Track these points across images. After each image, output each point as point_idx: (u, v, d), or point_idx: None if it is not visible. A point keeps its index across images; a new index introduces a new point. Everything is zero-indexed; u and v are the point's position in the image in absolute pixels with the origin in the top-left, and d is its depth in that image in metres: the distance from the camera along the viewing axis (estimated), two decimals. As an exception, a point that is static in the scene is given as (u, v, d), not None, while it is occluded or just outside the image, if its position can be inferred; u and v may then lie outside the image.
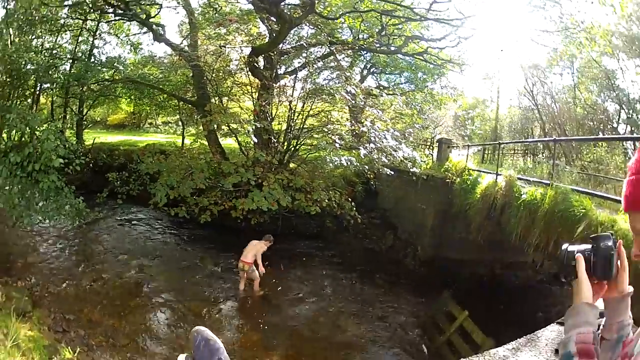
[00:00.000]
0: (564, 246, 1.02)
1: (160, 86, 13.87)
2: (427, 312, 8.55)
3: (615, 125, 17.41)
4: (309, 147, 10.67)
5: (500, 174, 8.38)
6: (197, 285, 8.20)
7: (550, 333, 2.04)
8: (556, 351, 1.78)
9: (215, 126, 10.99)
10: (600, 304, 1.00)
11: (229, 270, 9.03)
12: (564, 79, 18.23)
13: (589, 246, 0.98)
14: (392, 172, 9.98)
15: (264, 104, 10.39)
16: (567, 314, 0.95)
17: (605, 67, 17.13)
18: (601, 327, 1.00)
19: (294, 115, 10.69)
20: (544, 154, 14.10)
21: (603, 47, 16.19)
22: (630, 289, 0.99)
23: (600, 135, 16.70)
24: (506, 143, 12.50)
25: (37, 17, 12.88)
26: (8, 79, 11.19)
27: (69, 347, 4.70)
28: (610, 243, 0.95)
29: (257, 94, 11.15)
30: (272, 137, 10.39)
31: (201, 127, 11.67)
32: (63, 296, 6.86)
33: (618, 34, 15.87)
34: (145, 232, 11.18)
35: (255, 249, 7.96)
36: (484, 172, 9.77)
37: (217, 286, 8.34)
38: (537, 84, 16.97)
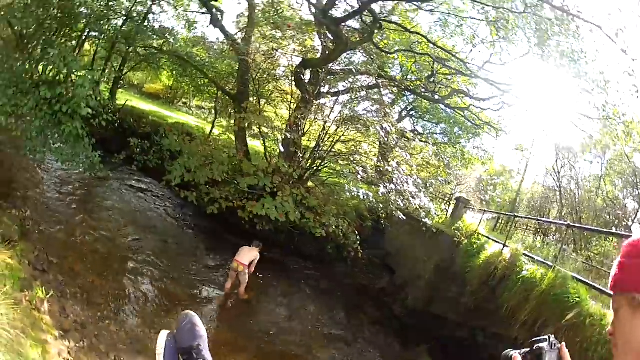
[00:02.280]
0: (505, 352, 1.08)
1: (204, 70, 14.03)
2: None
3: (630, 223, 17.28)
4: (331, 171, 10.73)
5: (508, 246, 8.40)
6: (185, 271, 8.22)
7: None
8: None
9: (247, 125, 11.13)
10: None
11: (220, 266, 9.07)
12: (592, 167, 18.20)
13: (527, 349, 1.05)
14: (404, 217, 9.99)
15: (299, 116, 10.50)
16: None
17: (634, 164, 17.09)
18: None
19: (325, 136, 10.78)
20: (554, 237, 14.00)
21: (637, 144, 16.15)
22: None
23: (614, 230, 16.54)
24: (521, 217, 12.44)
25: (99, -39, 12.80)
26: (59, 14, 11.12)
27: (44, 288, 4.70)
28: (543, 345, 1.01)
29: (295, 105, 11.27)
30: (299, 152, 10.47)
31: (233, 122, 11.79)
32: (52, 238, 6.84)
33: None
34: (150, 205, 11.25)
35: (252, 254, 7.97)
36: (492, 239, 9.77)
37: (204, 277, 8.37)
38: (566, 166, 16.95)
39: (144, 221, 9.87)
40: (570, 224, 9.39)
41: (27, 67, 8.34)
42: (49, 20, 11.07)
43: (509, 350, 1.07)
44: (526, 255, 8.09)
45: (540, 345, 1.02)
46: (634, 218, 17.70)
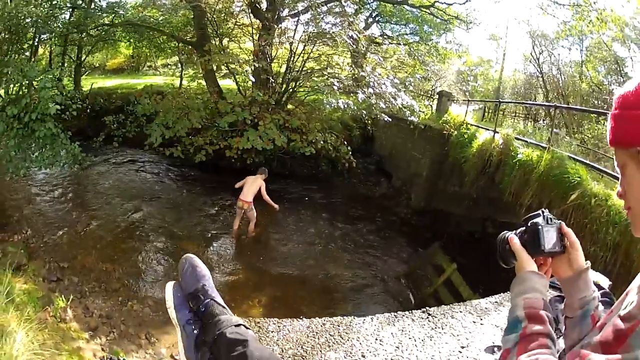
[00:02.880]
0: (501, 235, 1.01)
1: (160, 28, 13.57)
2: (416, 262, 8.60)
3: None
4: (308, 90, 10.52)
5: (498, 132, 8.33)
6: (191, 226, 8.19)
7: None
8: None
9: (214, 66, 10.83)
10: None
11: (222, 211, 9.04)
12: (572, 54, 17.99)
13: (522, 227, 0.98)
14: (390, 119, 9.88)
15: (264, 44, 10.19)
16: (512, 284, 0.90)
17: (615, 52, 16.93)
18: (562, 307, 0.97)
19: (294, 57, 10.50)
20: (544, 121, 13.98)
21: (615, 33, 15.99)
22: (587, 264, 0.94)
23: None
24: (507, 102, 12.35)
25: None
26: (7, 35, 10.85)
27: (63, 296, 4.73)
28: (538, 220, 0.94)
29: (257, 35, 10.93)
30: (271, 78, 10.24)
31: (200, 68, 11.48)
32: (58, 244, 6.82)
33: (632, 26, 15.69)
34: (140, 174, 11.14)
35: (255, 186, 7.67)
36: (482, 128, 9.69)
37: (210, 226, 8.34)
38: (544, 53, 16.70)
39: (139, 192, 9.79)
40: (557, 104, 9.25)
41: None
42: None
43: (504, 232, 1.00)
44: (518, 139, 8.06)
45: (535, 220, 0.94)
46: None
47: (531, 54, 16.49)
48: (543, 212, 0.95)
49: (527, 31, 16.39)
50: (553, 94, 16.08)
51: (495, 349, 1.53)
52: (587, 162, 6.25)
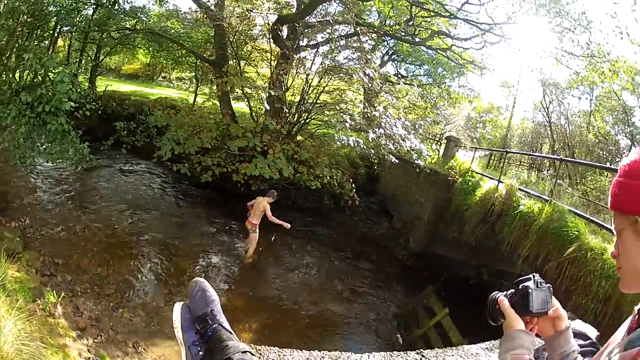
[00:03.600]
0: (491, 295, 1.09)
1: (180, 41, 13.75)
2: (409, 304, 8.64)
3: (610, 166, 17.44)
4: (319, 123, 10.65)
5: (502, 182, 8.39)
6: (189, 244, 8.24)
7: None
8: None
9: (229, 88, 10.97)
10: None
11: (222, 233, 9.09)
12: (581, 103, 18.18)
13: (512, 290, 1.06)
14: (397, 161, 9.99)
15: (281, 72, 10.33)
16: (501, 342, 0.99)
17: (624, 101, 17.08)
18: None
19: (309, 88, 10.64)
20: (548, 172, 14.08)
21: (625, 83, 16.14)
22: (567, 324, 1.04)
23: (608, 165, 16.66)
24: (513, 152, 12.45)
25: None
26: (29, 19, 10.95)
27: (54, 292, 4.74)
28: (529, 283, 1.01)
29: (275, 62, 11.09)
30: (284, 107, 10.36)
31: (215, 87, 11.62)
32: (55, 240, 6.86)
33: None
34: (145, 184, 11.21)
35: (261, 207, 7.76)
36: (486, 176, 9.76)
37: (208, 247, 8.39)
38: (554, 102, 16.90)
39: (141, 201, 9.84)
40: (563, 158, 9.35)
41: (3, 78, 8.31)
42: (20, 28, 10.86)
43: (495, 292, 1.09)
44: (521, 190, 8.10)
45: (526, 284, 1.02)
46: (627, 154, 17.87)
47: (541, 102, 16.69)
48: (534, 276, 1.02)
49: (539, 79, 16.62)
50: (559, 143, 16.22)
51: None
52: (587, 215, 6.30)
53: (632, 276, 0.85)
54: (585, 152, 17.61)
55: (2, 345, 2.77)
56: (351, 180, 9.93)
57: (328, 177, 9.61)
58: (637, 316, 0.80)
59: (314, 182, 9.59)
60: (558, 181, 9.20)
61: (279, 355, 1.62)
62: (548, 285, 1.03)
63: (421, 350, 1.81)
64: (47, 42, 14.59)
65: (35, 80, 8.36)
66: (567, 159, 13.50)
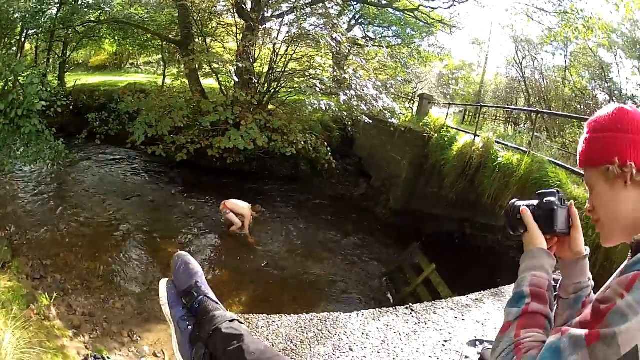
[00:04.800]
0: (512, 201, 1.01)
1: (145, 26, 13.53)
2: (395, 262, 8.71)
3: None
4: (290, 90, 10.59)
5: (479, 136, 8.42)
6: (172, 225, 8.22)
7: None
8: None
9: (197, 65, 10.84)
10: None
11: (201, 209, 9.04)
12: (555, 59, 18.21)
13: (535, 201, 0.97)
14: (371, 121, 9.98)
15: (247, 44, 10.22)
16: (522, 258, 0.93)
17: (600, 58, 17.15)
18: (557, 286, 0.99)
19: (276, 58, 10.56)
20: (525, 125, 14.18)
21: (601, 40, 16.22)
22: (587, 250, 0.98)
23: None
24: (488, 107, 12.50)
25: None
26: None
27: (46, 294, 4.76)
28: (553, 198, 0.94)
29: (241, 35, 10.95)
30: (253, 78, 10.28)
31: (183, 67, 11.48)
32: (41, 242, 6.81)
33: (620, 33, 15.93)
34: (122, 172, 11.09)
35: (245, 212, 7.74)
36: (462, 131, 9.80)
37: (190, 225, 8.37)
38: (527, 57, 16.93)
39: (120, 189, 9.75)
40: (539, 110, 9.41)
41: None
42: None
43: (515, 200, 1.00)
44: (499, 142, 8.15)
45: (550, 199, 0.94)
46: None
47: (514, 58, 16.73)
48: (558, 192, 0.96)
49: (511, 36, 16.64)
50: (535, 98, 16.33)
51: (477, 342, 1.60)
52: (568, 166, 6.30)
53: (612, 224, 0.85)
54: (562, 106, 17.72)
55: (4, 357, 2.81)
56: (326, 144, 9.93)
57: (302, 143, 9.59)
58: (633, 245, 0.78)
59: (289, 149, 9.57)
60: (536, 134, 9.30)
61: (268, 322, 1.62)
62: (571, 201, 0.97)
63: (410, 305, 1.82)
64: (14, 48, 14.35)
65: (6, 88, 8.27)
66: (544, 110, 13.59)
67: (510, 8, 14.18)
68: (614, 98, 17.60)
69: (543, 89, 16.68)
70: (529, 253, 0.92)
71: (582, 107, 18.27)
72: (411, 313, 1.83)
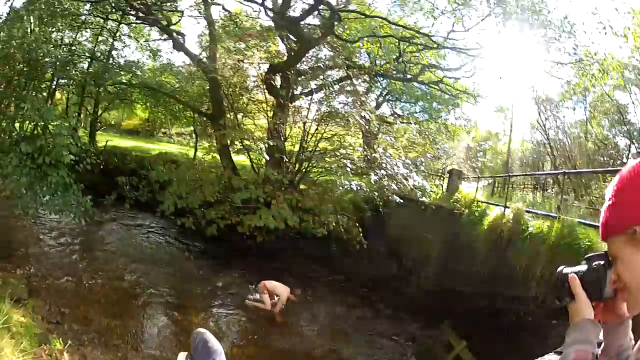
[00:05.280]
0: (559, 268, 0.98)
1: (177, 95, 14.00)
2: (426, 342, 8.49)
3: (625, 160, 17.28)
4: (321, 170, 10.73)
5: (509, 207, 8.38)
6: (198, 297, 8.17)
7: None
8: None
9: (229, 141, 11.11)
10: None
11: (231, 286, 9.00)
12: (576, 113, 18.24)
13: (583, 267, 0.94)
14: (402, 200, 9.98)
15: (278, 122, 10.49)
16: (569, 330, 0.91)
17: (617, 101, 17.12)
18: (599, 350, 0.95)
19: (307, 136, 10.77)
20: (553, 189, 14.04)
21: (616, 80, 16.21)
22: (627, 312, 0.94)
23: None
24: (516, 176, 12.43)
25: (58, 9, 12.70)
26: (25, 68, 11.08)
27: (60, 339, 4.70)
28: (602, 262, 0.90)
29: (272, 112, 11.26)
30: (284, 157, 10.46)
31: (214, 141, 11.78)
32: (61, 289, 6.85)
33: (631, 66, 15.92)
34: (149, 239, 11.23)
35: (281, 293, 7.79)
36: (492, 204, 9.76)
37: (216, 299, 8.32)
38: (550, 118, 17.00)
39: (147, 256, 9.83)
40: (566, 170, 9.36)
41: (3, 125, 8.37)
42: (17, 76, 11.10)
43: (562, 267, 0.98)
44: (529, 211, 8.09)
45: (600, 263, 0.90)
46: (627, 154, 17.75)
47: (537, 121, 16.81)
48: (606, 252, 0.89)
49: (533, 97, 16.76)
50: (560, 159, 16.24)
51: None
52: (596, 224, 6.20)
53: None
54: (587, 161, 17.55)
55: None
56: (357, 224, 9.92)
57: (334, 224, 9.60)
58: None
59: (320, 230, 9.59)
60: (564, 197, 9.18)
61: None
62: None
63: None
64: (44, 93, 14.80)
65: (35, 132, 8.49)
66: (570, 171, 13.44)
67: (528, 68, 14.33)
68: (634, 140, 17.39)
69: (567, 148, 16.60)
70: (575, 325, 0.89)
71: (605, 158, 18.06)
72: None
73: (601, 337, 0.95)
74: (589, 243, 5.63)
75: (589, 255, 0.95)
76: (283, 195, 9.98)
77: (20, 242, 8.53)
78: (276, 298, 7.81)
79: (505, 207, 8.46)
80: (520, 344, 8.09)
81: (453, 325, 8.74)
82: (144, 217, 12.49)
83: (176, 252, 10.68)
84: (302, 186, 10.70)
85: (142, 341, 6.11)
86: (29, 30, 12.02)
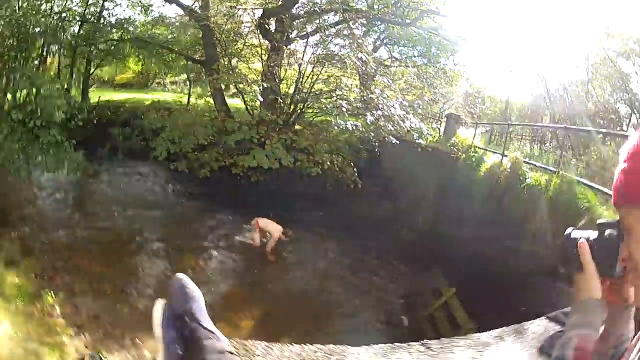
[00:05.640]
0: (568, 230, 0.85)
1: (169, 46, 13.74)
2: (415, 284, 8.48)
3: (625, 128, 17.09)
4: (316, 111, 10.57)
5: (507, 155, 8.29)
6: (189, 238, 8.07)
7: (538, 327, 1.87)
8: (540, 348, 1.64)
9: (223, 85, 10.91)
10: None
11: (222, 226, 8.90)
12: (577, 73, 17.89)
13: (594, 233, 0.81)
14: (398, 142, 9.85)
15: (272, 65, 10.26)
16: (572, 309, 0.81)
17: (620, 67, 16.81)
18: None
19: (302, 78, 10.56)
20: (551, 143, 13.91)
21: (621, 48, 15.91)
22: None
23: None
24: (516, 125, 12.27)
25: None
26: (15, 43, 11.03)
27: (52, 293, 4.75)
28: (615, 232, 0.76)
29: (266, 55, 11.00)
30: (279, 99, 10.27)
31: (208, 86, 11.56)
32: (54, 245, 6.77)
33: (635, 38, 15.62)
34: (143, 185, 11.05)
35: (273, 232, 7.66)
36: (490, 151, 9.65)
37: (210, 241, 8.20)
38: (551, 72, 16.68)
39: (140, 202, 9.66)
40: (568, 126, 9.24)
41: None
42: (7, 52, 10.96)
43: (571, 228, 0.85)
44: (527, 162, 8.01)
45: (613, 233, 0.77)
46: (628, 122, 17.55)
47: (538, 73, 16.51)
48: (619, 222, 0.75)
49: (534, 49, 16.38)
50: (560, 115, 16.04)
51: None
52: (597, 186, 5.99)
53: None
54: (586, 119, 17.33)
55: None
56: (352, 164, 9.82)
57: (328, 163, 9.51)
58: None
59: (314, 169, 9.52)
60: (563, 152, 9.09)
61: (267, 350, 1.46)
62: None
63: (426, 341, 1.61)
64: (36, 62, 14.66)
65: (27, 99, 8.46)
66: (572, 127, 13.24)
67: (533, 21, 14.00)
68: (635, 110, 17.20)
69: (567, 105, 16.36)
70: (580, 305, 0.79)
71: (604, 122, 17.85)
72: (426, 351, 1.60)
73: None
74: (587, 204, 5.54)
75: (600, 221, 0.81)
76: (277, 135, 9.86)
77: (13, 205, 8.31)
78: (268, 236, 7.72)
79: (503, 155, 8.38)
80: (509, 297, 8.06)
81: (443, 270, 8.70)
82: (137, 165, 12.27)
83: (169, 196, 10.57)
84: (297, 127, 10.55)
85: (134, 287, 6.01)
86: (17, 7, 11.77)
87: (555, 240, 5.76)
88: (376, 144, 9.95)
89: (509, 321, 2.34)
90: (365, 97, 10.03)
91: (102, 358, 3.81)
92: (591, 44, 15.66)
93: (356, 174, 9.76)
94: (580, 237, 0.81)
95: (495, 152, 9.20)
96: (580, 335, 0.75)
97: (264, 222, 7.68)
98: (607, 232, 0.78)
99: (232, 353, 1.22)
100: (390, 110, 9.82)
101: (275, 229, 7.63)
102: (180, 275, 1.40)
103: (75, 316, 4.75)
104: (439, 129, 11.57)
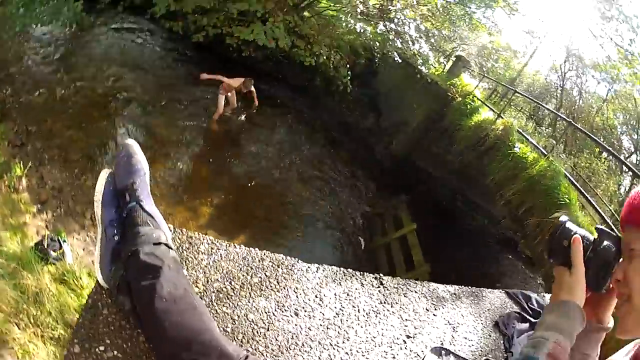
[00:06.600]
0: (563, 218, 0.78)
1: None
2: (378, 207, 8.44)
3: (622, 158, 17.14)
4: (330, 4, 10.05)
5: (502, 117, 8.20)
6: (169, 106, 7.80)
7: (496, 300, 1.76)
8: (495, 324, 1.57)
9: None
10: None
11: (204, 96, 8.56)
12: (599, 87, 17.68)
13: (591, 237, 0.74)
14: (400, 61, 9.54)
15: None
16: (549, 307, 0.73)
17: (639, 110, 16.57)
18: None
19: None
20: (547, 130, 13.73)
21: None
22: (611, 323, 0.77)
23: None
24: (521, 94, 11.93)
25: None
26: None
27: (21, 163, 4.52)
28: (614, 247, 0.71)
29: None
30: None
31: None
32: (32, 106, 6.35)
33: None
34: (135, 43, 10.48)
35: (233, 82, 7.51)
36: (487, 106, 9.49)
37: (186, 110, 7.99)
38: (573, 71, 16.36)
39: (127, 61, 9.14)
40: (573, 122, 9.12)
41: None
42: None
43: (566, 218, 0.78)
44: (520, 133, 7.93)
45: (611, 247, 0.71)
46: (627, 157, 17.52)
47: (560, 66, 16.14)
48: (620, 239, 0.72)
49: (566, 45, 15.98)
50: (565, 110, 15.86)
51: (443, 352, 1.35)
52: (581, 189, 6.09)
53: None
54: (589, 130, 17.27)
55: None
56: (348, 66, 9.49)
57: (325, 57, 9.16)
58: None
59: (309, 59, 9.17)
60: (558, 142, 8.90)
61: (211, 248, 1.26)
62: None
63: (380, 275, 1.44)
64: None
65: None
66: (577, 125, 13.10)
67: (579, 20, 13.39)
68: (638, 152, 17.09)
69: (576, 107, 16.17)
70: (562, 306, 0.71)
71: (605, 142, 17.83)
72: (379, 287, 1.46)
73: None
74: (567, 200, 5.47)
75: (599, 227, 0.77)
76: (283, 15, 9.38)
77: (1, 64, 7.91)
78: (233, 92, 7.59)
79: (499, 115, 8.25)
80: (467, 250, 8.14)
81: (409, 202, 8.66)
82: (135, 20, 11.70)
83: (158, 58, 10.06)
84: (306, 13, 10.05)
85: (102, 155, 5.78)
86: None
87: (523, 216, 5.81)
88: (378, 55, 9.59)
89: (461, 278, 2.33)
90: (383, 6, 9.56)
91: (62, 240, 3.71)
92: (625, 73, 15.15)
93: (349, 77, 9.45)
94: (576, 232, 0.75)
95: (492, 110, 9.04)
96: (557, 342, 0.67)
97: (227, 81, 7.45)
98: (606, 243, 0.72)
99: (167, 246, 1.00)
100: (403, 27, 9.42)
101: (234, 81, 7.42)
102: (130, 141, 1.11)
103: (40, 189, 4.64)
104: (444, 64, 11.21)
